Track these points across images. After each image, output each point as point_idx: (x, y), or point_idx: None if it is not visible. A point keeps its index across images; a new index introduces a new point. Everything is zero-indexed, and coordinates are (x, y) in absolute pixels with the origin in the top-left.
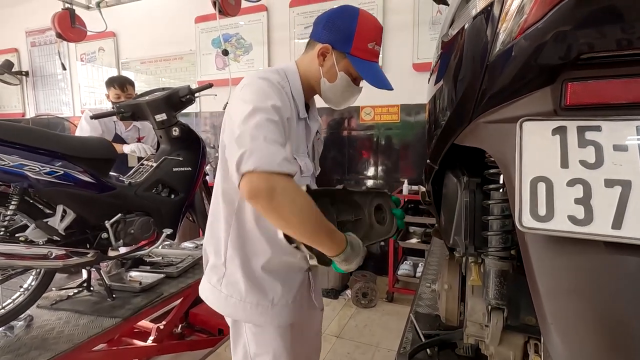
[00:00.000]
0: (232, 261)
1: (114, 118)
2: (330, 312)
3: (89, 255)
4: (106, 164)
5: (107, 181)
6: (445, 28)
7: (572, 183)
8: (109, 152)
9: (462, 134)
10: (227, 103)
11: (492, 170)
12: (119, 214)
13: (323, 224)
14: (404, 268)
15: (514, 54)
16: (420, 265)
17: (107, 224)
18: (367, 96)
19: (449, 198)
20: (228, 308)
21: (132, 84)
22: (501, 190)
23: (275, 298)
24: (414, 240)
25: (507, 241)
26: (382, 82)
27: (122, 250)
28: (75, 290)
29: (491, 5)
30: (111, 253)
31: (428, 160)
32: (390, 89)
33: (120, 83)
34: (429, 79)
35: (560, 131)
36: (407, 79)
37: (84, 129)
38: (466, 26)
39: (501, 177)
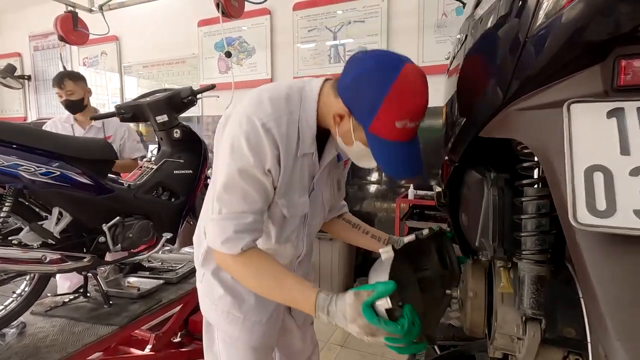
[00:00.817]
0: (207, 261)
1: (71, 120)
2: None
3: (85, 260)
4: (105, 166)
5: (105, 183)
6: (470, 10)
7: (636, 172)
8: (108, 153)
9: (490, 125)
10: (229, 105)
11: (525, 164)
12: (117, 217)
13: (279, 288)
14: None
15: (558, 28)
16: None
17: (105, 227)
18: None
19: (472, 197)
20: (203, 306)
21: (73, 77)
22: (537, 185)
23: (249, 312)
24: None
25: (544, 243)
26: (400, 171)
27: (120, 254)
28: (71, 296)
29: None
30: (108, 258)
31: (446, 158)
32: (411, 176)
33: (57, 80)
34: (447, 78)
35: (617, 114)
36: None
37: None
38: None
39: (535, 171)
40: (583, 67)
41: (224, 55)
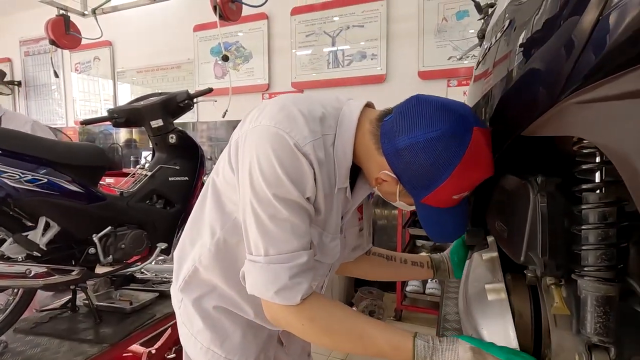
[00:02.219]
0: (190, 287)
1: None
2: None
3: (73, 273)
4: (97, 172)
5: (96, 191)
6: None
7: None
8: (100, 159)
9: (540, 121)
10: (226, 111)
11: (585, 166)
12: (109, 227)
13: (360, 344)
14: (413, 284)
15: None
16: (430, 281)
17: (95, 238)
18: (375, 103)
19: (514, 205)
20: (181, 336)
21: None
22: (599, 191)
23: (232, 351)
24: (423, 254)
25: (612, 257)
26: (446, 236)
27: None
28: (58, 312)
29: None
30: (99, 270)
31: None
32: (456, 239)
33: None
34: (472, 83)
35: None
36: (413, 88)
37: None
38: None
39: (597, 174)
40: None
41: (220, 60)
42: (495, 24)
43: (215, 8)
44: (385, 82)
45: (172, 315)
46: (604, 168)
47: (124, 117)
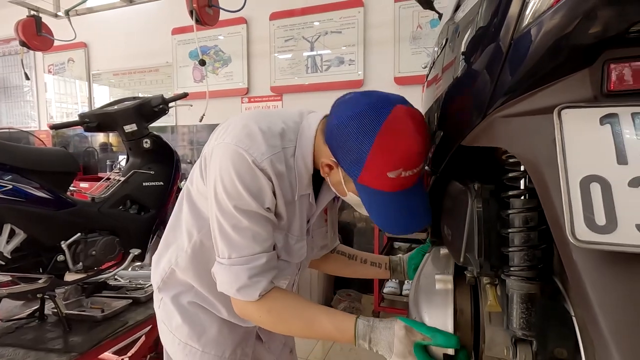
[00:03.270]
0: (167, 286)
1: None
2: None
3: (40, 281)
4: (66, 178)
5: (66, 197)
6: (450, 12)
7: (635, 183)
8: (70, 164)
9: (474, 133)
10: (203, 115)
11: (511, 174)
12: (79, 234)
13: (311, 328)
14: (390, 286)
15: (546, 29)
16: (406, 282)
17: (64, 245)
18: None
19: (456, 209)
20: (162, 334)
21: None
22: (523, 197)
23: (208, 345)
24: (382, 256)
25: (534, 258)
26: (396, 225)
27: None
28: (25, 321)
29: None
30: (69, 277)
31: (427, 168)
32: (411, 231)
33: None
34: (425, 88)
35: (611, 119)
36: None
37: None
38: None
39: (522, 181)
40: (571, 70)
41: (198, 64)
42: (439, 36)
43: (191, 13)
44: (363, 87)
45: (146, 322)
46: (527, 176)
47: (95, 121)
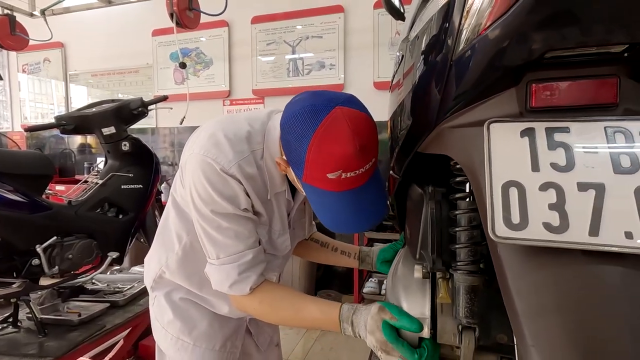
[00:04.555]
0: (159, 285)
1: None
2: (295, 336)
3: (14, 286)
4: (41, 181)
5: (41, 200)
6: (406, 31)
7: (544, 187)
8: (45, 167)
9: (426, 141)
10: (184, 117)
11: (458, 178)
12: (55, 237)
13: (300, 316)
14: (369, 286)
15: (477, 53)
16: (385, 282)
17: (39, 248)
18: None
19: (414, 210)
20: (154, 331)
21: None
22: (468, 199)
23: (199, 338)
24: (354, 246)
25: (476, 254)
26: (340, 224)
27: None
28: None
29: None
30: (44, 282)
31: (391, 172)
32: (357, 230)
33: None
34: (390, 93)
35: (529, 133)
36: (369, 97)
37: None
38: (428, 24)
39: (467, 185)
40: (502, 89)
41: (179, 67)
42: (398, 50)
43: (172, 15)
44: (343, 92)
45: (124, 325)
46: None
47: (72, 124)
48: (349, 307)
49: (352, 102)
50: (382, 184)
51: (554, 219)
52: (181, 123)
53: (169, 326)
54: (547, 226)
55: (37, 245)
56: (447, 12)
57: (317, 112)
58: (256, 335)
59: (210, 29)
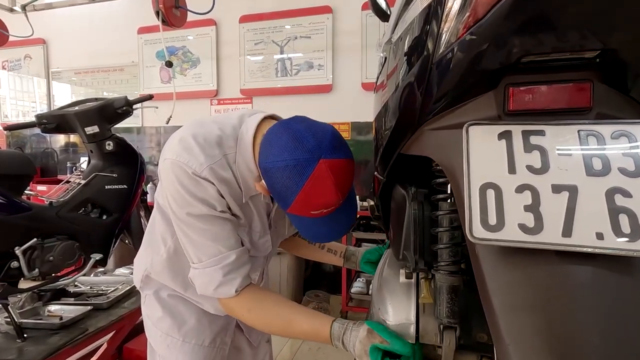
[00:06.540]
0: (147, 284)
1: None
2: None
3: None
4: (21, 181)
5: (20, 201)
6: (389, 33)
7: (520, 189)
8: (24, 167)
9: (408, 143)
10: (170, 117)
11: (439, 180)
12: (35, 239)
13: (290, 328)
14: (357, 286)
15: (457, 57)
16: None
17: (18, 250)
18: (318, 113)
19: (398, 211)
20: (146, 329)
21: None
22: (449, 200)
23: (188, 334)
24: (341, 244)
25: (457, 254)
26: (322, 237)
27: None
28: None
29: (434, 3)
30: (23, 284)
31: (375, 173)
32: (328, 242)
33: None
34: (374, 93)
35: (506, 136)
36: (356, 98)
37: None
38: (410, 26)
39: (449, 186)
40: (480, 92)
41: (165, 65)
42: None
43: (157, 14)
44: (331, 92)
45: (107, 328)
46: None
47: (54, 123)
48: (340, 326)
49: (335, 147)
50: (354, 199)
51: (529, 220)
52: (167, 123)
53: (159, 323)
54: (523, 227)
55: (16, 248)
56: (428, 15)
57: (303, 169)
58: (248, 331)
59: (198, 27)
